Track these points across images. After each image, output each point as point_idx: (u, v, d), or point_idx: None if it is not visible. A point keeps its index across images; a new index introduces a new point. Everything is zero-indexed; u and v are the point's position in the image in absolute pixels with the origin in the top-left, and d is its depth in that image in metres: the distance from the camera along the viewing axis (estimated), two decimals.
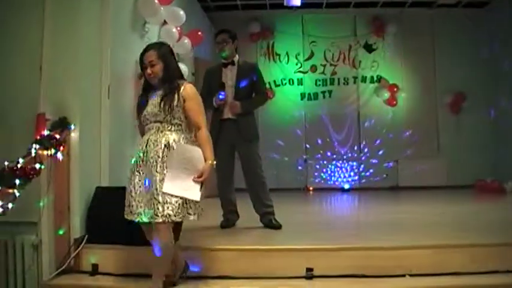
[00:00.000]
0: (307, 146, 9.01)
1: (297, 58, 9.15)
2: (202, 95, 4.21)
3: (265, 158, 8.17)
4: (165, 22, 5.35)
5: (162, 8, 4.94)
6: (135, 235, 2.97)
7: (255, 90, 4.22)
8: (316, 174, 8.92)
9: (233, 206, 4.27)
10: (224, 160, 4.15)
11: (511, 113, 8.01)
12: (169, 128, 2.78)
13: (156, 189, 2.64)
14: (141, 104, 2.89)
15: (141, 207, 2.69)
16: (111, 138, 3.83)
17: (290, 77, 9.15)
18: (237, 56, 4.22)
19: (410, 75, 8.98)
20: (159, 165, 2.68)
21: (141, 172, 2.76)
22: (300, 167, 8.96)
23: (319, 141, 8.99)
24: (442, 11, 8.80)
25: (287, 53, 9.15)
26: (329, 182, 8.88)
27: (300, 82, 9.14)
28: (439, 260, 3.13)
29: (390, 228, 4.20)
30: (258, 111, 8.23)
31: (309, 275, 3.08)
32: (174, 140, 2.74)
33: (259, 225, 4.12)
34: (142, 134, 2.93)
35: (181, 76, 2.96)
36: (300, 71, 9.15)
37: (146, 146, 2.76)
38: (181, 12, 5.44)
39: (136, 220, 2.72)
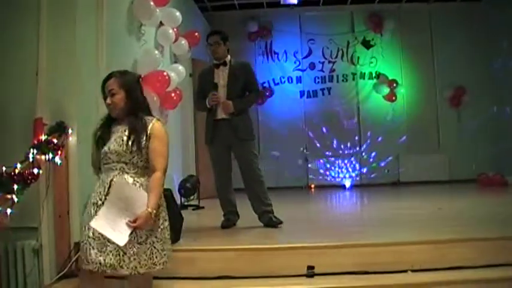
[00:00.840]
0: (308, 143, 9.00)
1: (295, 56, 9.17)
2: (198, 96, 4.27)
3: (266, 156, 8.27)
4: (161, 23, 5.35)
5: (158, 10, 4.92)
6: None
7: (248, 89, 4.21)
8: (317, 171, 8.92)
9: (233, 207, 4.26)
10: (221, 161, 4.16)
11: (511, 106, 7.99)
12: (135, 171, 2.44)
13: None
14: (101, 139, 2.53)
15: (100, 255, 2.29)
16: None
17: (289, 75, 9.15)
18: (228, 56, 4.22)
19: (409, 70, 8.98)
20: None
21: None
22: (300, 165, 8.95)
23: (320, 139, 8.99)
24: (440, 5, 8.79)
25: (285, 51, 9.16)
26: (330, 180, 8.88)
27: (299, 80, 9.14)
28: (441, 255, 3.12)
29: (391, 224, 4.20)
30: (257, 110, 8.39)
31: (310, 273, 3.06)
32: (141, 185, 2.41)
33: (259, 225, 4.11)
34: (96, 168, 2.58)
35: (147, 111, 2.58)
36: (298, 69, 9.16)
37: (109, 188, 2.40)
38: (178, 13, 5.44)
39: (97, 269, 2.28)
